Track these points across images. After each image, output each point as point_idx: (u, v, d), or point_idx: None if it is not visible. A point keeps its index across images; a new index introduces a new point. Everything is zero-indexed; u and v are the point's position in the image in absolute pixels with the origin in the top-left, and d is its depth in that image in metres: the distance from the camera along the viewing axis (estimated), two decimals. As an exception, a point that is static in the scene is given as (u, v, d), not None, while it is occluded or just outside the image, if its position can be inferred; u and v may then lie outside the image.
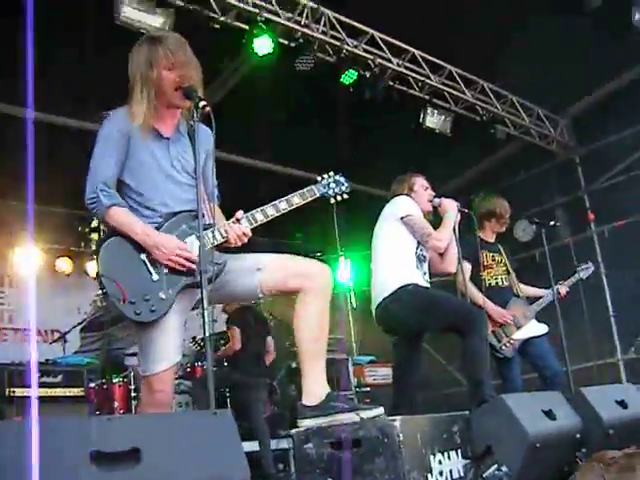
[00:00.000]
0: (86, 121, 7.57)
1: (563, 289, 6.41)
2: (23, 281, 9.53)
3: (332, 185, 3.79)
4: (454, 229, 5.14)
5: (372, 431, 2.98)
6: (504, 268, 6.19)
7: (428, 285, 5.10)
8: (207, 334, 2.94)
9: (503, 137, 9.26)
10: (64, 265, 9.62)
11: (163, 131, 3.42)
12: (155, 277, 3.20)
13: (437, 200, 5.26)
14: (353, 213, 7.80)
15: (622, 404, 4.40)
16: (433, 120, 8.52)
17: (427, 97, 8.46)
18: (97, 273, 3.18)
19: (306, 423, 3.33)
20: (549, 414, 3.76)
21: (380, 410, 3.31)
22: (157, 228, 3.30)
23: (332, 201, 3.82)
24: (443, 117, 8.64)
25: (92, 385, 7.79)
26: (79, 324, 8.51)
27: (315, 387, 3.42)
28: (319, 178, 3.78)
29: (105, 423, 2.23)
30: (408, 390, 5.22)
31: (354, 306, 11.96)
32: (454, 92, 8.71)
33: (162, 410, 3.30)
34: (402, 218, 5.03)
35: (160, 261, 3.20)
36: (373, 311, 5.10)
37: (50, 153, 6.17)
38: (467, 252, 5.47)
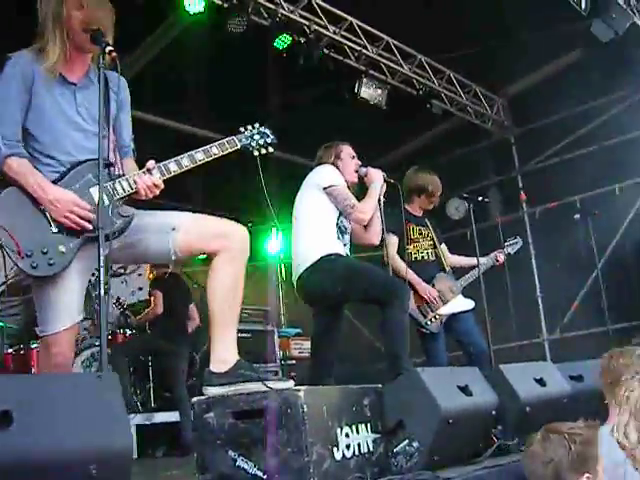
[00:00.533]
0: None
1: (501, 256, 6.37)
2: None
3: (256, 137, 3.56)
4: (379, 200, 5.03)
5: (276, 401, 2.83)
6: (431, 242, 6.11)
7: (346, 253, 5.00)
8: (101, 292, 2.75)
9: (439, 113, 9.18)
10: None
11: (70, 76, 3.20)
12: (54, 229, 3.00)
13: (363, 170, 5.13)
14: (286, 183, 7.65)
15: (540, 382, 4.37)
16: (368, 92, 8.36)
17: (363, 68, 8.29)
18: None
19: (212, 391, 3.17)
20: (465, 390, 3.68)
21: (290, 383, 3.17)
22: (59, 178, 3.09)
23: (255, 153, 3.58)
24: (379, 90, 8.50)
25: (9, 351, 7.59)
26: (-4, 285, 8.23)
27: (225, 354, 3.24)
28: (242, 129, 3.55)
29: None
30: (326, 363, 5.13)
31: (284, 278, 11.88)
32: (391, 64, 8.56)
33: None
34: (325, 188, 4.89)
35: (55, 218, 3.00)
36: (294, 282, 4.97)
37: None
38: (393, 224, 5.37)
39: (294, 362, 9.57)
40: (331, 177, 4.93)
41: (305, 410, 2.76)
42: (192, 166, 3.30)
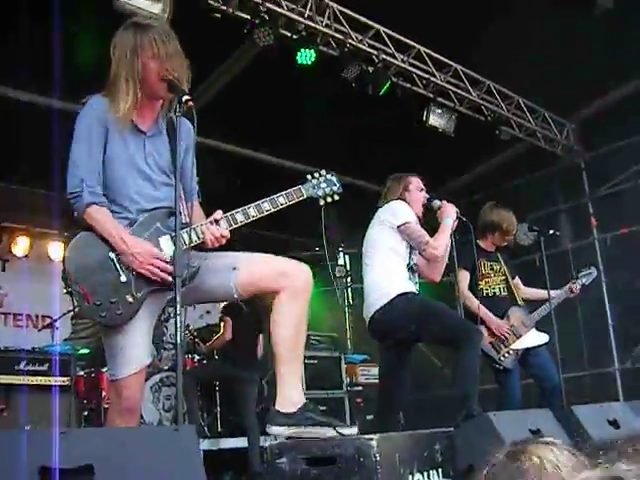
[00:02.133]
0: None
1: (575, 287, 6.27)
2: (15, 266, 9.43)
3: (322, 185, 3.61)
4: (451, 236, 5.02)
5: (349, 449, 2.85)
6: (503, 277, 6.07)
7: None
8: (179, 341, 2.82)
9: (507, 139, 9.09)
10: (56, 251, 9.50)
11: (141, 125, 3.29)
12: (123, 278, 3.08)
13: (437, 203, 5.13)
14: (353, 208, 7.68)
15: (614, 424, 4.29)
16: (437, 119, 8.35)
17: (431, 95, 8.28)
18: (62, 271, 3.06)
19: (276, 430, 3.21)
20: (537, 433, 3.64)
21: (354, 430, 3.19)
22: (128, 225, 3.17)
23: (321, 202, 3.63)
24: (447, 116, 8.48)
25: (81, 374, 7.73)
26: (69, 311, 8.39)
27: (291, 393, 3.28)
28: (309, 176, 3.59)
29: (58, 437, 2.11)
30: (393, 400, 5.14)
31: (351, 303, 11.86)
32: (459, 91, 8.53)
33: (130, 416, 3.18)
34: (399, 227, 4.90)
35: (135, 269, 3.08)
36: (366, 319, 4.97)
37: (48, 136, 6.04)
38: (464, 260, 5.35)
39: (361, 388, 9.53)
40: (404, 215, 4.93)
41: (378, 459, 2.78)
42: (259, 216, 3.36)
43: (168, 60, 3.18)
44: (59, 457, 1.98)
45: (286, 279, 3.29)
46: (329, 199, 3.64)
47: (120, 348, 3.14)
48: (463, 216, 5.16)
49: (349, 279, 12.12)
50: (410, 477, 2.99)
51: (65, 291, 3.13)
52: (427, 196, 5.18)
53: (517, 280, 6.30)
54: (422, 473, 3.08)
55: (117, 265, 3.09)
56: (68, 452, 2.00)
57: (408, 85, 8.08)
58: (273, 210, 3.39)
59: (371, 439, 2.82)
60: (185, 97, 3.04)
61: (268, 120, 8.13)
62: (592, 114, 9.72)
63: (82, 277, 3.02)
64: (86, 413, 7.62)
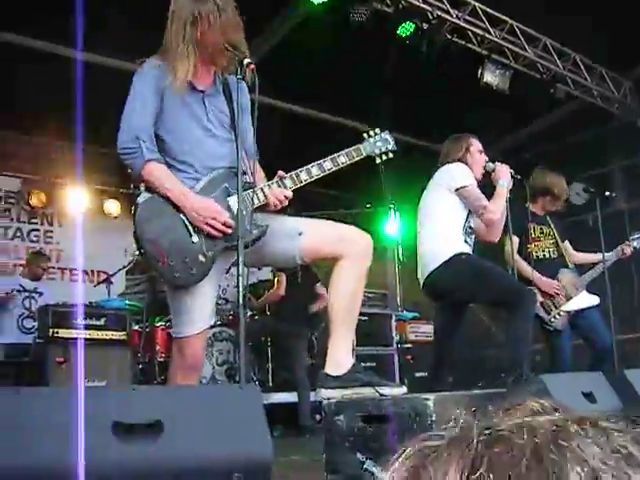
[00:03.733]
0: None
1: (628, 249, 6.19)
2: (72, 221, 9.61)
3: (379, 144, 3.68)
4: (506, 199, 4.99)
5: (405, 408, 2.91)
6: (553, 241, 6.02)
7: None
8: (241, 301, 2.88)
9: (562, 96, 8.94)
10: (112, 207, 9.64)
11: (199, 84, 3.33)
12: (195, 239, 3.15)
13: (491, 165, 5.07)
14: (404, 166, 7.67)
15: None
16: (492, 76, 8.24)
17: (486, 52, 8.17)
18: (134, 232, 3.12)
19: (326, 393, 3.29)
20: (589, 396, 3.67)
21: (403, 389, 3.26)
22: (195, 185, 3.23)
23: (378, 161, 3.70)
24: (502, 74, 8.36)
25: (135, 328, 7.89)
26: (125, 267, 8.56)
27: (342, 357, 3.36)
28: (365, 135, 3.66)
29: (129, 393, 2.20)
30: (447, 355, 5.18)
31: (401, 260, 11.85)
32: (515, 48, 8.39)
33: (192, 373, 3.27)
34: (457, 189, 4.87)
35: (196, 224, 3.14)
36: (420, 280, 4.99)
37: (101, 93, 6.11)
38: (515, 224, 5.32)
39: (410, 346, 9.59)
40: (464, 177, 4.89)
41: (434, 418, 2.82)
42: (322, 175, 3.41)
43: (227, 29, 3.20)
44: (129, 413, 2.06)
45: (347, 245, 3.35)
46: (384, 157, 3.73)
47: (187, 307, 3.22)
48: (518, 174, 5.13)
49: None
50: (464, 437, 3.03)
51: (137, 252, 3.17)
52: (487, 159, 5.13)
53: (567, 244, 6.24)
54: (476, 432, 3.12)
55: (188, 226, 3.15)
56: (138, 408, 2.09)
57: (463, 42, 7.98)
58: (335, 169, 3.46)
59: (427, 399, 2.86)
60: (246, 60, 3.07)
61: (322, 79, 8.12)
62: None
63: (155, 238, 3.09)
64: (140, 367, 7.79)
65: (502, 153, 9.79)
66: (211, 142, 3.33)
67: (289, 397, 7.98)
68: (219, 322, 8.35)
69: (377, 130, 3.71)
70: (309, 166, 3.40)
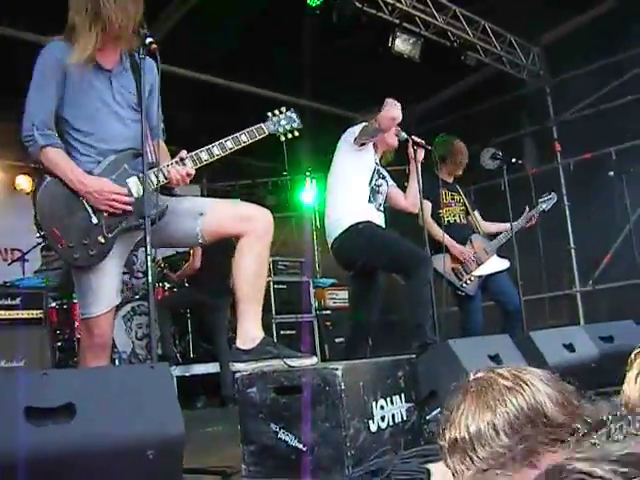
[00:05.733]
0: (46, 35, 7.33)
1: (534, 215, 6.39)
2: (-17, 199, 9.36)
3: (283, 122, 3.72)
4: (417, 167, 5.12)
5: (315, 378, 2.99)
6: (462, 207, 6.21)
7: (381, 218, 5.09)
8: (149, 279, 2.92)
9: (473, 64, 9.09)
10: (24, 183, 9.34)
11: (105, 63, 3.31)
12: (94, 220, 3.18)
13: (403, 135, 5.18)
14: (320, 134, 7.71)
15: (570, 347, 4.49)
16: (402, 45, 8.31)
17: (397, 21, 8.23)
18: (34, 216, 3.13)
19: (238, 367, 3.37)
20: (495, 358, 3.82)
21: (314, 360, 3.37)
22: (97, 166, 3.24)
23: (282, 139, 3.75)
24: (413, 42, 8.44)
25: (53, 305, 7.78)
26: (39, 244, 8.41)
27: (251, 331, 3.43)
28: (269, 114, 3.70)
29: (40, 378, 2.23)
30: (363, 324, 5.29)
31: (318, 228, 11.94)
32: (425, 17, 8.49)
33: (101, 352, 3.31)
34: (356, 139, 4.97)
35: (96, 206, 3.16)
36: (329, 246, 5.11)
37: (10, 67, 5.97)
38: (426, 190, 5.46)
39: (329, 312, 9.73)
40: (358, 126, 5.00)
41: (342, 387, 2.92)
42: (223, 154, 3.46)
43: (128, 5, 3.18)
44: (42, 397, 2.09)
45: (248, 224, 3.42)
46: (289, 135, 3.78)
47: (91, 288, 3.25)
48: (428, 145, 5.25)
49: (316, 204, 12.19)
50: (374, 403, 3.14)
51: (38, 235, 3.17)
52: (398, 128, 5.21)
53: (477, 214, 6.43)
54: (386, 399, 3.24)
55: (87, 208, 3.17)
56: (50, 392, 2.12)
57: (373, 11, 8.02)
58: (236, 148, 3.49)
59: (336, 368, 2.95)
60: (148, 39, 3.07)
61: (236, 48, 8.08)
62: (558, 39, 9.72)
63: (54, 220, 3.11)
64: (60, 344, 7.72)
65: (416, 120, 9.97)
66: (116, 124, 3.33)
67: (211, 368, 8.03)
68: (137, 296, 8.34)
69: (283, 109, 3.75)
70: (210, 146, 3.44)
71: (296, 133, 3.77)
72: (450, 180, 6.30)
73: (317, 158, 10.59)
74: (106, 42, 3.27)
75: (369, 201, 5.02)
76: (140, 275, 8.61)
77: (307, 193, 12.10)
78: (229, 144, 3.47)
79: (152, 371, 2.44)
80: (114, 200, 3.19)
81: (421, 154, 5.18)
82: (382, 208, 5.17)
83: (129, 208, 3.22)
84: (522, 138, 10.17)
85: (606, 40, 8.46)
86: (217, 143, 3.45)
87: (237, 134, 3.51)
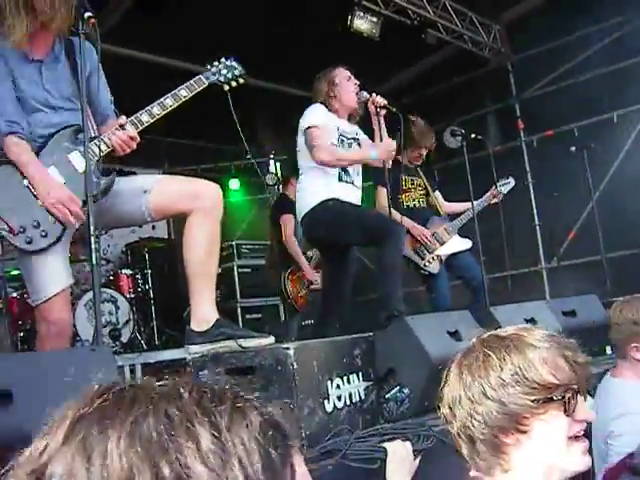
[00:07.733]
0: None
1: (497, 195, 6.40)
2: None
3: (223, 71, 3.61)
4: (380, 126, 5.02)
5: (267, 359, 2.92)
6: (423, 191, 6.21)
7: (356, 193, 5.03)
8: (94, 261, 2.83)
9: (434, 42, 9.03)
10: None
11: (35, 54, 3.19)
12: (41, 202, 3.07)
13: (365, 94, 5.08)
14: (282, 115, 7.61)
15: (532, 322, 4.45)
16: (361, 23, 8.22)
17: (356, -1, 8.14)
18: None
19: (192, 349, 3.30)
20: (455, 335, 3.76)
21: (270, 340, 3.29)
22: (37, 152, 3.13)
23: (226, 88, 3.64)
24: (372, 21, 8.35)
25: (14, 295, 7.62)
26: (-3, 231, 8.25)
27: (205, 312, 3.37)
28: (208, 65, 3.60)
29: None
30: (335, 303, 5.25)
31: (284, 209, 11.81)
32: (384, -6, 8.39)
33: (59, 341, 3.18)
34: (306, 130, 4.90)
35: (43, 203, 3.06)
36: (299, 223, 5.08)
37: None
38: (380, 177, 5.42)
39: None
40: (311, 117, 4.93)
41: (295, 367, 2.85)
42: (164, 113, 3.35)
43: None
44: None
45: (195, 200, 3.33)
46: (233, 83, 3.67)
47: (39, 270, 3.13)
48: (393, 107, 5.14)
49: (281, 186, 12.08)
50: (329, 382, 3.08)
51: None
52: (357, 83, 5.10)
53: (438, 194, 6.42)
54: (342, 378, 3.17)
55: (32, 190, 3.07)
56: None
57: (332, -12, 7.92)
58: (177, 104, 3.39)
59: (288, 348, 2.89)
60: (87, 14, 2.96)
61: (189, 27, 7.92)
62: (519, 16, 9.70)
63: (3, 210, 3.00)
64: (22, 334, 7.57)
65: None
66: (45, 115, 3.24)
67: (176, 354, 7.94)
68: (102, 283, 8.22)
69: (222, 59, 3.65)
70: (149, 107, 3.34)
71: (240, 80, 3.66)
72: (410, 165, 6.27)
73: (279, 140, 10.50)
74: (36, 28, 3.15)
75: (339, 179, 4.94)
76: (102, 262, 8.49)
77: (271, 176, 11.97)
78: (169, 101, 3.36)
79: (94, 354, 2.36)
80: (65, 206, 3.07)
81: (381, 119, 5.09)
82: (358, 183, 5.08)
83: (72, 221, 3.10)
84: (485, 116, 10.16)
85: (567, 17, 8.43)
86: (156, 102, 3.35)
87: (176, 90, 3.40)
